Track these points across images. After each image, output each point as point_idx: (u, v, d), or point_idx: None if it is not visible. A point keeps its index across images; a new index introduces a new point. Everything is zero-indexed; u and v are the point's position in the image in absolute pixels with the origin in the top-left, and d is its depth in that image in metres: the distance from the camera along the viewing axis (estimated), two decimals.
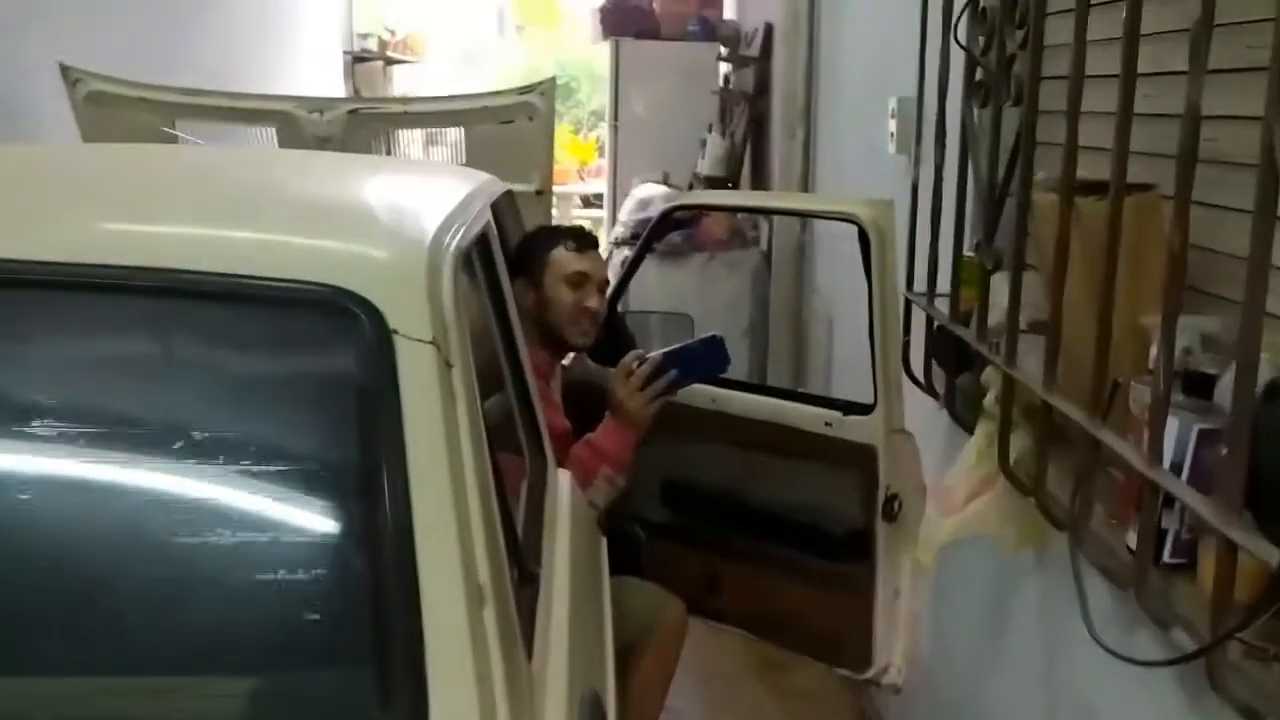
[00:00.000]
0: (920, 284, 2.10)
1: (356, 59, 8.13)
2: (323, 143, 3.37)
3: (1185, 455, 1.12)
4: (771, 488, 2.39)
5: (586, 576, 1.79)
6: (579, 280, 2.27)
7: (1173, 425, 1.12)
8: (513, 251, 2.33)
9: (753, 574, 2.42)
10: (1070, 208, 1.34)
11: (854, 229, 2.07)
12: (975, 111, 1.73)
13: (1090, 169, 1.41)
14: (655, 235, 2.55)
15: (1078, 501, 1.32)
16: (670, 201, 2.50)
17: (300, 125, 3.31)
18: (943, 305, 1.93)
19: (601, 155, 8.48)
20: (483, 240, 1.69)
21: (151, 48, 4.57)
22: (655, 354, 2.15)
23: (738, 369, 4.34)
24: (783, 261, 3.93)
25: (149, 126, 3.34)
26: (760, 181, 4.90)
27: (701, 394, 2.43)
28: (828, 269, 3.44)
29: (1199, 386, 1.14)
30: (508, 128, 3.43)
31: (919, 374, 2.12)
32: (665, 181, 4.99)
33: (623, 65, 5.93)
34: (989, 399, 1.62)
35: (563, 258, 2.28)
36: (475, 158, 3.50)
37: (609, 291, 2.68)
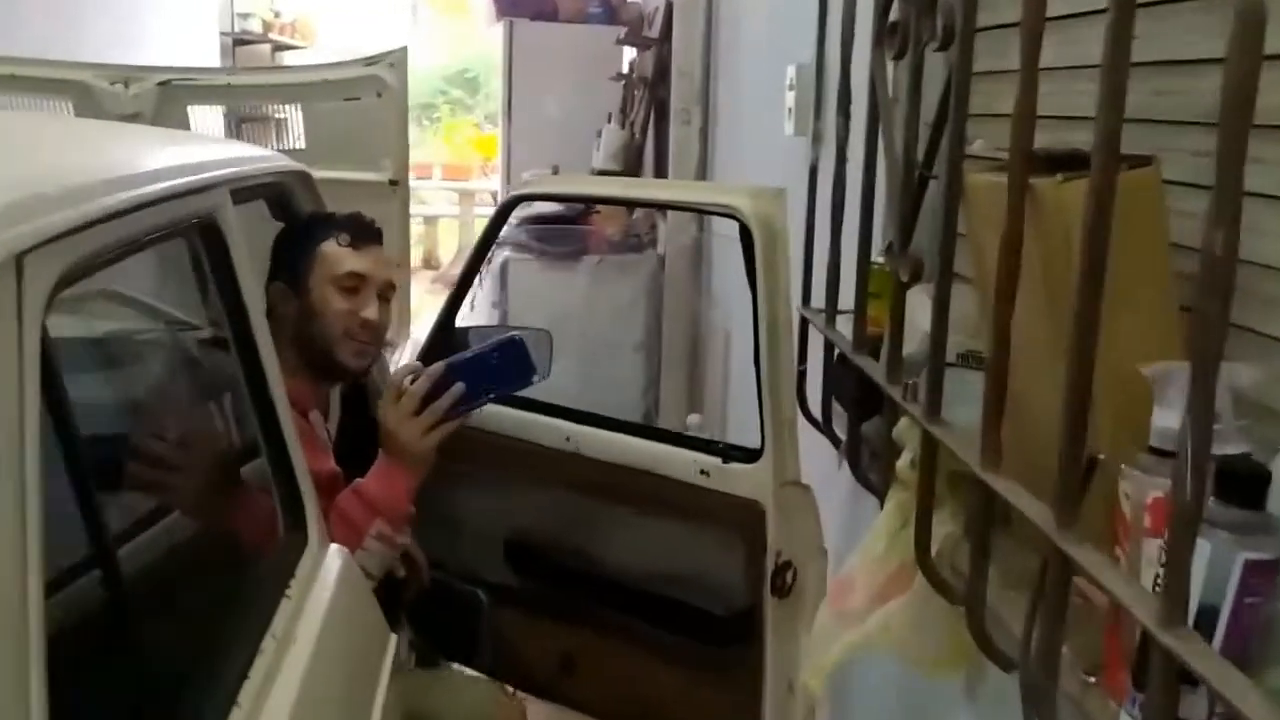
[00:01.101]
0: (820, 298, 1.63)
1: (237, 41, 7.50)
2: (128, 119, 2.82)
3: (1222, 603, 0.67)
4: (638, 550, 1.91)
5: (343, 691, 1.30)
6: (354, 284, 1.75)
7: (1202, 551, 0.67)
8: (272, 247, 1.81)
9: (615, 654, 1.94)
10: (1024, 191, 0.88)
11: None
12: (888, 65, 1.27)
13: (1053, 139, 0.95)
14: (494, 231, 2.05)
15: (1034, 637, 0.86)
16: (519, 188, 2.02)
17: (99, 98, 2.77)
18: (846, 327, 1.47)
19: None
20: (183, 235, 1.20)
21: None
22: (434, 366, 1.66)
23: (625, 393, 3.91)
24: (677, 266, 3.46)
25: None
26: (661, 175, 4.43)
27: (554, 431, 1.95)
28: (726, 276, 2.98)
29: (1241, 486, 0.69)
30: (352, 106, 2.93)
31: (819, 413, 1.66)
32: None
33: (517, 50, 5.42)
34: (904, 461, 1.16)
35: (333, 254, 1.76)
36: (315, 140, 2.99)
37: (449, 298, 2.19)
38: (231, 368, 1.34)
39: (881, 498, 1.30)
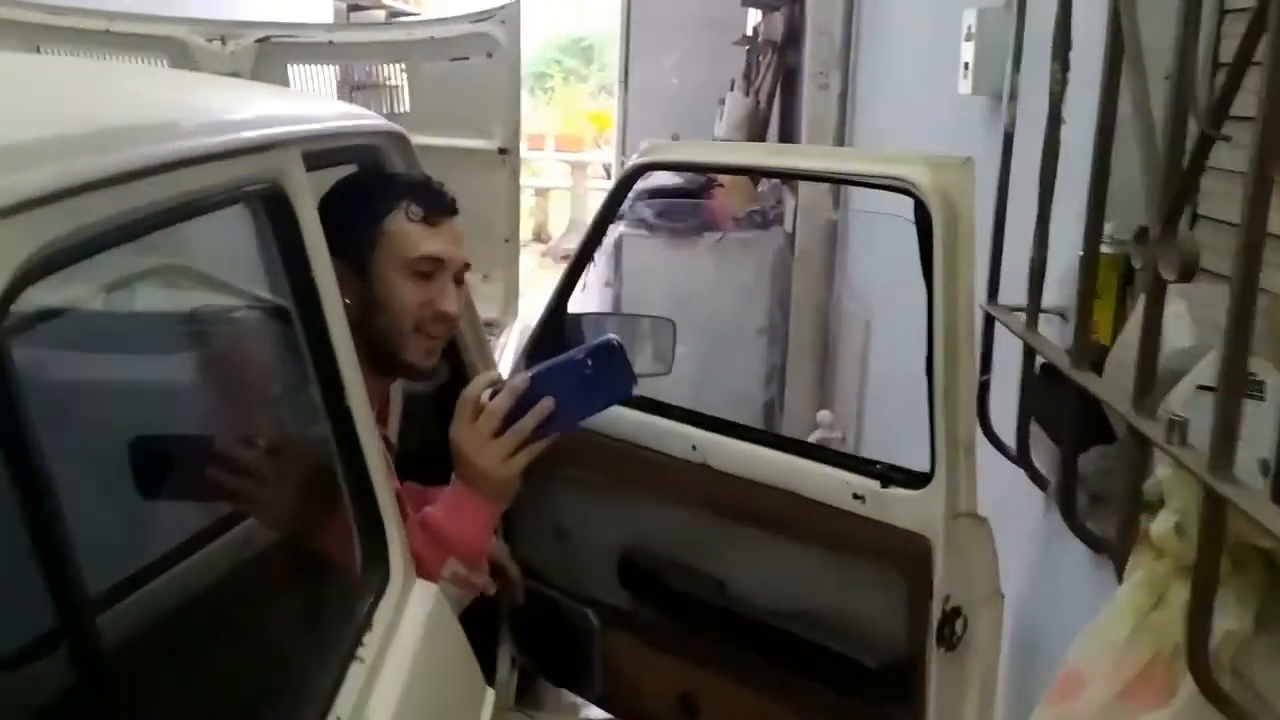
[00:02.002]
0: (1012, 292, 1.32)
1: (351, 7, 7.38)
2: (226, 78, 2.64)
3: None
4: (774, 581, 1.63)
5: None
6: (429, 268, 1.43)
7: None
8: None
9: (742, 700, 1.67)
10: None
11: (907, 202, 1.32)
12: None
13: None
14: (613, 206, 1.78)
15: None
16: (641, 156, 1.74)
17: (196, 56, 2.60)
18: (1050, 330, 1.16)
19: None
20: (238, 202, 0.97)
21: None
22: (518, 379, 1.38)
23: (746, 382, 3.61)
24: (809, 245, 3.15)
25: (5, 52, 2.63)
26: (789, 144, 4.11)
27: (678, 438, 1.68)
28: (867, 257, 2.66)
29: None
30: (460, 66, 2.70)
31: (1007, 434, 1.35)
32: None
33: (636, 14, 5.15)
34: (1164, 525, 0.86)
35: (403, 233, 1.43)
36: (420, 104, 2.78)
37: (561, 281, 1.93)
38: (300, 367, 1.11)
39: (1104, 550, 1.00)
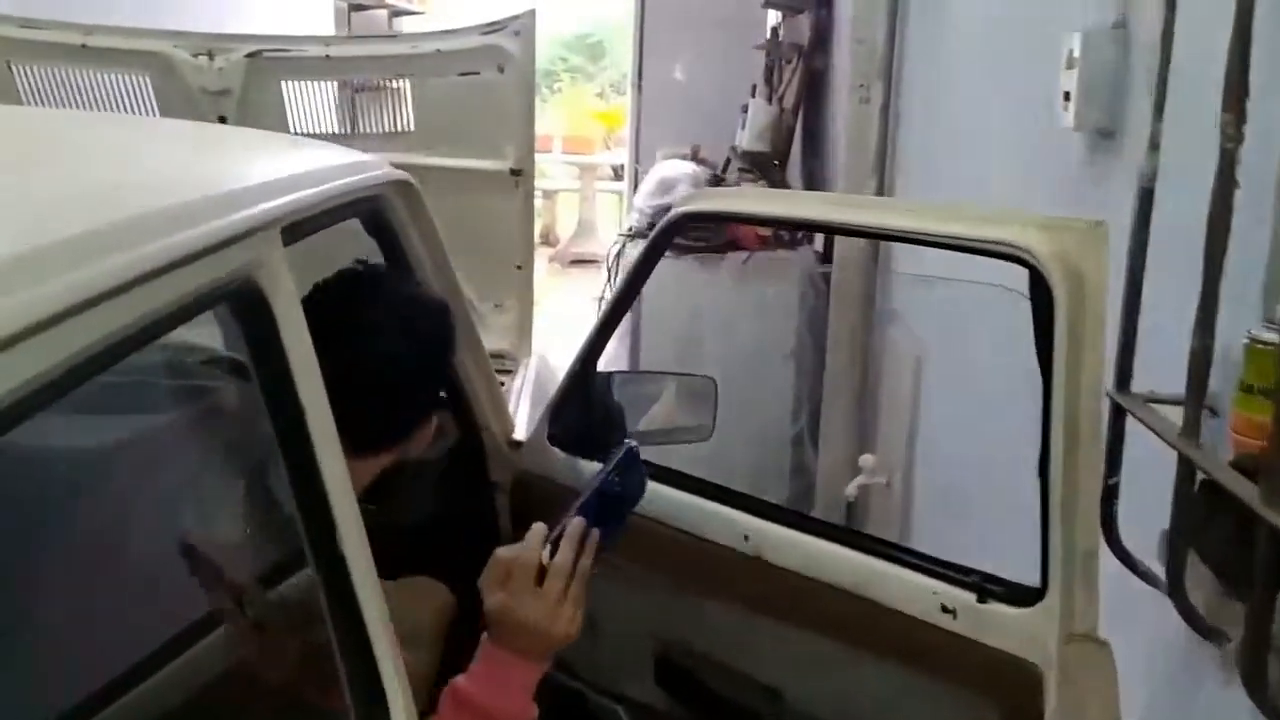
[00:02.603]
0: (1150, 378, 1.09)
1: (352, 7, 7.14)
2: (214, 96, 2.43)
3: None
4: (840, 700, 1.41)
5: None
6: None
7: None
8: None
9: None
10: None
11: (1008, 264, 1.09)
12: None
13: None
14: (652, 259, 1.56)
15: None
16: (683, 204, 1.51)
17: (182, 72, 2.38)
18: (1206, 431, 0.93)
19: None
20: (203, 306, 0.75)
21: None
22: (574, 525, 1.13)
23: (773, 411, 3.35)
24: (846, 267, 2.91)
25: None
26: (816, 159, 3.88)
27: (728, 525, 1.45)
28: (915, 282, 2.43)
29: None
30: (470, 81, 2.48)
31: (1142, 553, 1.12)
32: (695, 157, 3.98)
33: (649, 13, 4.91)
34: None
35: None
36: (425, 121, 2.56)
37: (590, 340, 1.70)
38: (274, 484, 0.89)
39: None
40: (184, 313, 0.70)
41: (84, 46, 2.39)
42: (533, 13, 2.38)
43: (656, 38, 4.93)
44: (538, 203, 9.22)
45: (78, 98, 2.50)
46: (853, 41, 2.69)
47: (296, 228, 0.93)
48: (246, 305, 0.81)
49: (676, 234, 1.51)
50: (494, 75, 2.43)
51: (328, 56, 2.44)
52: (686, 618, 1.54)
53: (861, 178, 2.69)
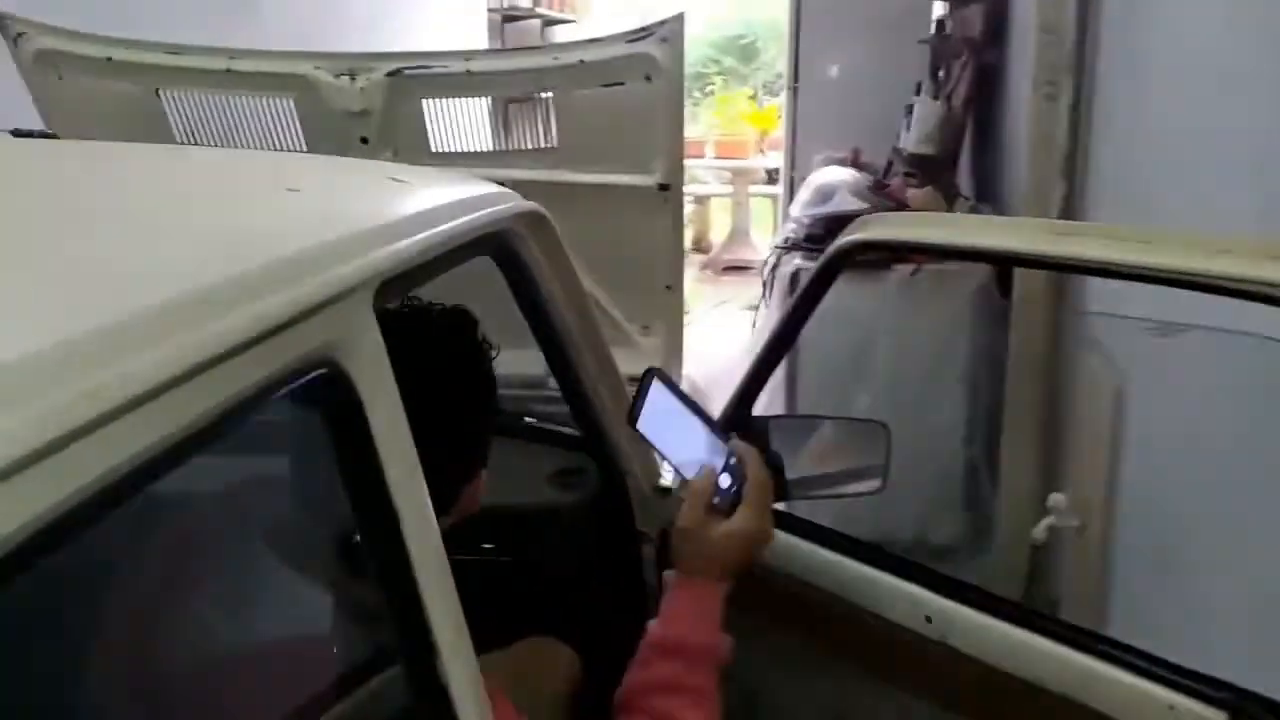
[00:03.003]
0: None
1: (505, 18, 7.16)
2: (355, 117, 2.35)
3: None
4: None
5: None
6: None
7: None
8: None
9: None
10: None
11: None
12: None
13: None
14: (821, 286, 1.37)
15: None
16: (855, 231, 1.32)
17: (324, 93, 2.31)
18: None
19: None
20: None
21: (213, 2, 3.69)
22: (736, 444, 1.18)
23: (942, 439, 3.08)
24: (1030, 281, 2.64)
25: (124, 96, 2.41)
26: (989, 162, 3.58)
27: (907, 602, 1.25)
28: (1114, 298, 2.13)
29: None
30: (615, 92, 2.32)
31: None
32: (855, 162, 3.74)
33: (806, 10, 4.68)
34: None
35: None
36: (569, 135, 2.42)
37: (746, 380, 1.52)
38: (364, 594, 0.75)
39: None
40: (212, 431, 0.55)
41: (229, 71, 2.35)
42: (681, 17, 2.21)
43: (812, 37, 4.70)
44: (689, 208, 9.09)
45: (224, 123, 2.48)
46: (1038, 31, 2.41)
47: (400, 281, 0.79)
48: (321, 393, 0.66)
49: (844, 265, 1.31)
50: (641, 85, 2.27)
51: (469, 72, 2.33)
52: (858, 703, 1.35)
53: (1047, 183, 2.41)
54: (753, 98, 9.82)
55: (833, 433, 1.53)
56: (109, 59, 2.31)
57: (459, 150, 2.45)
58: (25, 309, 0.47)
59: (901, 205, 3.18)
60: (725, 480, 1.14)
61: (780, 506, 1.49)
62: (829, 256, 1.32)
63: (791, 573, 1.38)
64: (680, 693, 1.07)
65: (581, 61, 2.29)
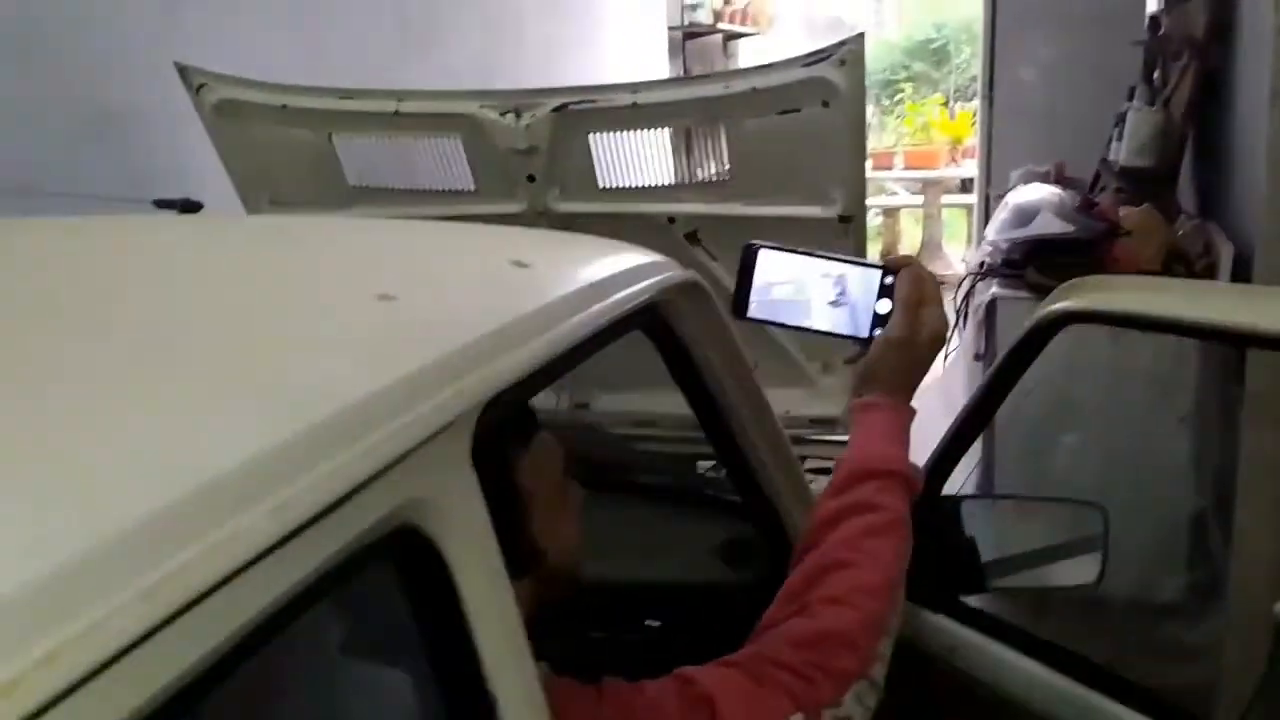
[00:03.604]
0: None
1: (686, 35, 7.09)
2: (522, 155, 2.30)
3: None
4: None
5: None
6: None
7: None
8: None
9: None
10: None
11: None
12: None
13: None
14: (1023, 359, 1.18)
15: None
16: (1063, 298, 1.13)
17: (490, 132, 2.28)
18: None
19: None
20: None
21: (391, 40, 3.75)
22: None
23: (1163, 484, 2.75)
24: None
25: (300, 142, 2.44)
26: (1217, 179, 3.22)
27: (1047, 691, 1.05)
28: None
29: None
30: (791, 120, 2.18)
31: None
32: (1059, 178, 3.44)
33: (1002, 10, 4.38)
34: None
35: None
36: (744, 166, 2.28)
37: (933, 455, 1.33)
38: None
39: None
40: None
41: (397, 113, 2.33)
42: (861, 37, 2.04)
43: (1009, 39, 4.39)
44: (876, 220, 8.78)
45: (395, 164, 2.47)
46: (1277, 34, 2.11)
47: (515, 390, 0.67)
48: (402, 563, 0.55)
49: (1049, 339, 1.12)
50: (818, 111, 2.12)
51: (635, 104, 2.23)
52: None
53: None
54: (945, 104, 9.39)
55: (1038, 516, 1.33)
56: (284, 106, 2.34)
57: (628, 185, 2.36)
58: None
59: (1113, 225, 2.88)
60: (885, 306, 1.07)
61: (974, 601, 1.30)
62: (1029, 330, 1.13)
63: (985, 680, 1.20)
64: (874, 510, 0.99)
65: (754, 89, 2.15)
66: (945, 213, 8.11)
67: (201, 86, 2.36)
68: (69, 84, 2.53)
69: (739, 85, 2.16)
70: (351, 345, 0.61)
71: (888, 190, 8.31)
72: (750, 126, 2.21)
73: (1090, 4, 4.21)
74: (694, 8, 6.96)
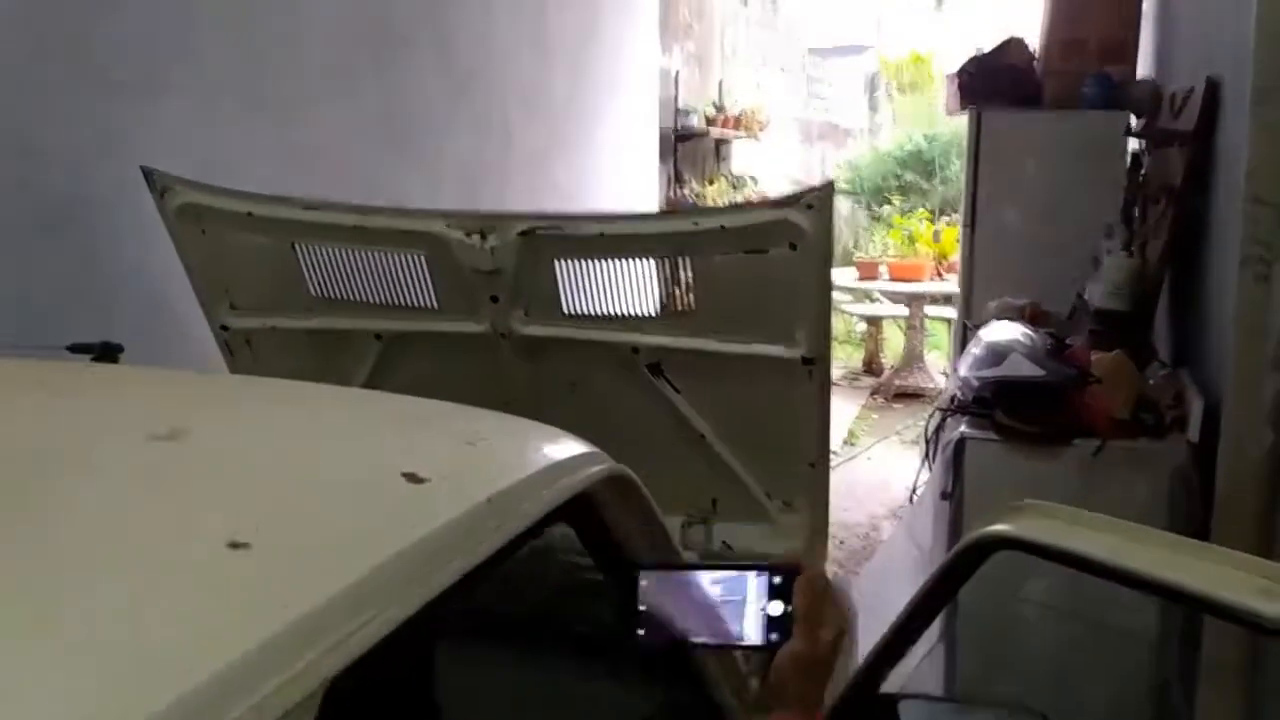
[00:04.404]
0: None
1: (679, 137, 7.17)
2: (486, 276, 2.27)
3: None
4: None
5: None
6: None
7: None
8: None
9: None
10: None
11: None
12: None
13: None
14: (954, 581, 1.13)
15: None
16: (998, 522, 1.07)
17: (454, 251, 2.26)
18: None
19: None
20: None
21: (382, 127, 3.75)
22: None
23: (1128, 657, 2.66)
24: (1237, 473, 2.27)
25: (262, 248, 2.42)
26: (1190, 323, 3.21)
27: None
28: None
29: None
30: (758, 260, 2.16)
31: None
32: (1032, 316, 3.43)
33: (986, 145, 4.42)
34: None
35: None
36: (707, 303, 2.26)
37: (874, 654, 1.26)
38: None
39: None
40: None
41: (360, 227, 2.31)
42: (831, 185, 2.03)
43: (994, 171, 4.43)
44: (859, 328, 8.79)
45: (356, 277, 2.44)
46: (1247, 201, 2.11)
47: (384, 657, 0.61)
48: None
49: (982, 562, 1.07)
50: (785, 252, 2.10)
51: (602, 234, 2.21)
52: None
53: (1255, 378, 2.08)
54: (931, 219, 9.48)
55: None
56: (249, 214, 2.31)
57: (592, 313, 2.32)
58: None
59: (1084, 371, 2.85)
60: (776, 608, 1.01)
61: None
62: (961, 550, 1.07)
63: None
64: None
65: (723, 227, 2.14)
66: (928, 323, 8.13)
67: (166, 190, 2.33)
68: (37, 173, 2.50)
69: (708, 223, 2.15)
70: (185, 617, 0.55)
71: (872, 298, 8.34)
72: (717, 263, 2.19)
73: (1074, 138, 4.26)
74: (687, 113, 7.04)
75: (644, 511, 1.09)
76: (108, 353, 1.38)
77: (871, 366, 8.38)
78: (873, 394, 7.74)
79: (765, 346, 2.22)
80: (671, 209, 6.30)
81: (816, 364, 2.20)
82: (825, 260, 2.11)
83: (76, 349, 1.27)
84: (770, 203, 2.09)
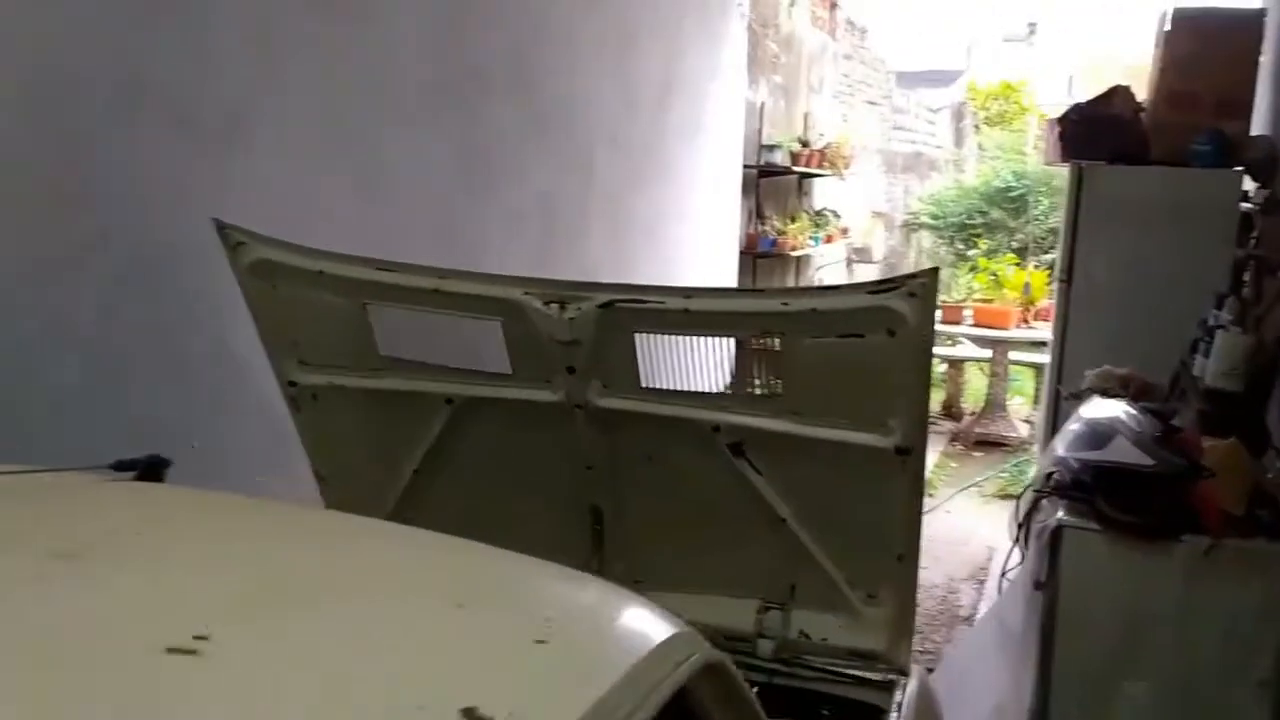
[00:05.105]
0: None
1: (761, 173, 7.04)
2: (564, 346, 2.17)
3: None
4: None
5: None
6: None
7: None
8: None
9: None
10: None
11: None
12: None
13: None
14: None
15: None
16: None
17: (532, 320, 2.16)
18: None
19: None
20: None
21: (462, 164, 3.69)
22: None
23: None
24: None
25: (332, 307, 2.35)
26: None
27: None
28: None
29: None
30: (852, 345, 2.03)
31: None
32: (1139, 393, 3.22)
33: (1087, 201, 4.22)
34: None
35: None
36: (795, 384, 2.14)
37: None
38: None
39: None
40: None
41: (437, 291, 2.22)
42: (935, 272, 1.89)
43: (1095, 228, 4.22)
44: (940, 368, 8.54)
45: (429, 340, 2.36)
46: None
47: None
48: None
49: None
50: (882, 339, 1.96)
51: (687, 310, 2.09)
52: None
53: None
54: (1019, 257, 9.20)
55: None
56: (320, 272, 2.24)
57: (672, 389, 2.21)
58: None
59: (1194, 462, 2.65)
60: None
61: None
62: None
63: None
64: None
65: (814, 310, 2.01)
66: (1013, 370, 7.87)
67: (239, 245, 2.27)
68: (116, 225, 2.47)
69: (798, 304, 2.02)
70: None
71: (955, 340, 8.10)
72: (808, 345, 2.07)
73: (1182, 197, 4.04)
74: (772, 148, 6.90)
75: (743, 703, 0.96)
76: (153, 469, 1.29)
77: (950, 410, 8.13)
78: (952, 440, 7.49)
79: (856, 434, 2.09)
80: (751, 256, 6.11)
81: (911, 455, 2.06)
82: (926, 349, 1.97)
83: (122, 466, 1.20)
84: (868, 286, 1.95)
